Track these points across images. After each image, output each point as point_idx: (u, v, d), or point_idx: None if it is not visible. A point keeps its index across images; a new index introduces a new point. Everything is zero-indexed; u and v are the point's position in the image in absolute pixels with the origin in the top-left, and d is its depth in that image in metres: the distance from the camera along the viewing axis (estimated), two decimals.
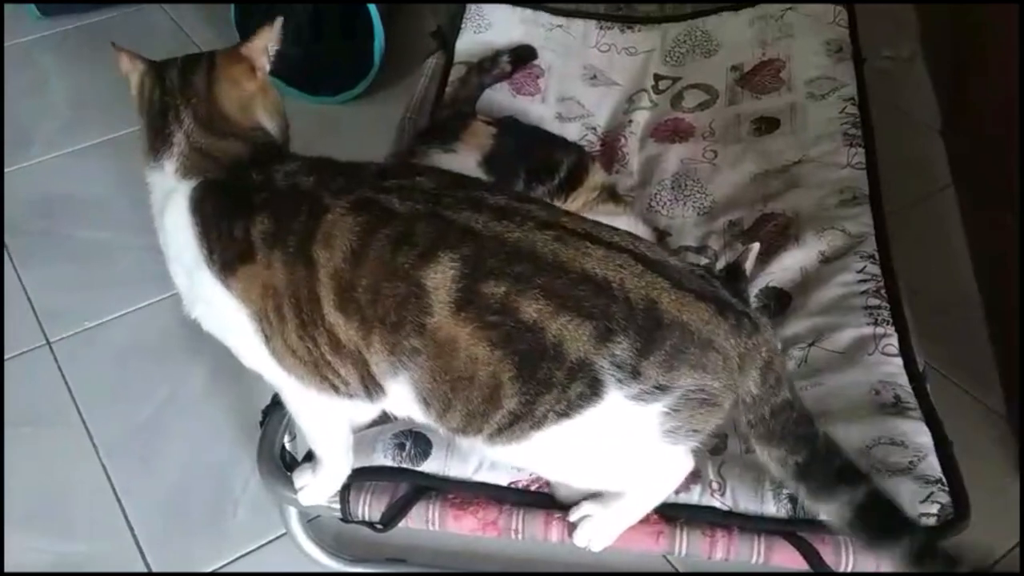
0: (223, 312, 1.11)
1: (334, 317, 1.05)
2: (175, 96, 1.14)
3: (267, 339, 1.10)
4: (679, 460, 1.17)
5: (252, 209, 1.07)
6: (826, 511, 1.11)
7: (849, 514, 1.09)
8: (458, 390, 1.05)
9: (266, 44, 1.18)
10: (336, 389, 1.12)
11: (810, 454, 1.10)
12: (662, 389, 1.02)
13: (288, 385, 1.16)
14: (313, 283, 1.05)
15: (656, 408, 1.03)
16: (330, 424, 1.22)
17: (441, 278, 1.01)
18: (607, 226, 1.09)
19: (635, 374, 1.01)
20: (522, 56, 1.96)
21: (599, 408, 1.02)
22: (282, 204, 1.07)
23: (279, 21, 1.18)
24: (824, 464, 1.10)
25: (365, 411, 1.28)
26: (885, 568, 1.18)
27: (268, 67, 1.18)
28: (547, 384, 1.02)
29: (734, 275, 1.44)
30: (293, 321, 1.07)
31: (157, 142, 1.13)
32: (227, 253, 1.08)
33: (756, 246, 1.49)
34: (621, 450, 1.10)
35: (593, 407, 1.02)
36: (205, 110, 1.14)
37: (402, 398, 1.09)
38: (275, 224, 1.06)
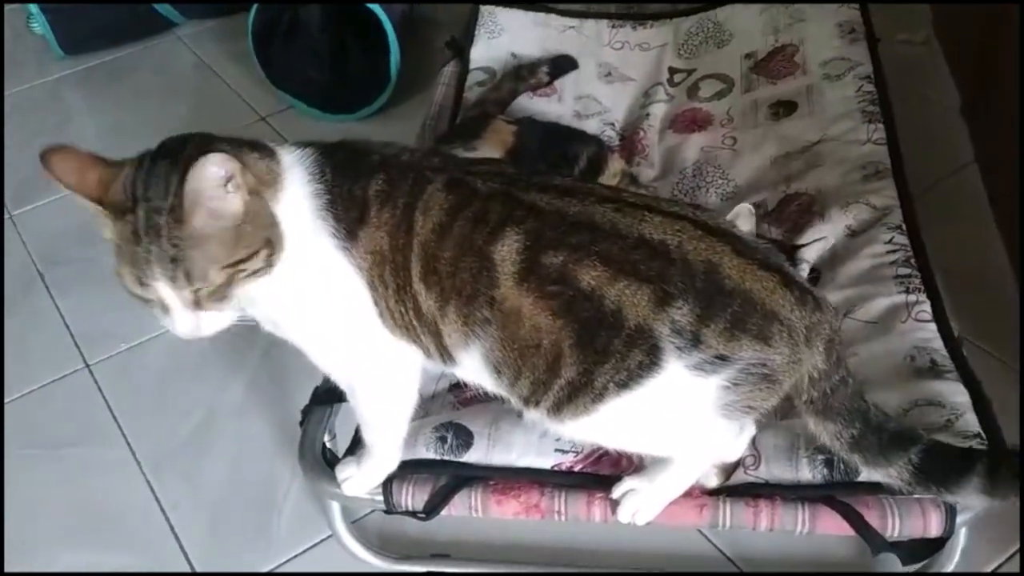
0: (340, 287, 1.11)
1: (418, 286, 1.09)
2: None
3: (375, 304, 1.13)
4: (729, 433, 1.17)
5: (370, 169, 1.10)
6: (884, 475, 1.13)
7: (907, 475, 1.11)
8: (526, 357, 1.07)
9: None
10: (427, 351, 1.16)
11: (863, 425, 1.11)
12: (723, 360, 1.02)
13: (377, 369, 1.19)
14: (408, 250, 1.09)
15: (716, 381, 1.03)
16: (397, 414, 1.24)
17: (507, 251, 1.05)
18: (669, 200, 1.12)
19: (695, 341, 1.01)
20: (562, 67, 1.98)
21: (659, 379, 1.03)
22: (392, 166, 1.11)
23: None
24: (877, 433, 1.11)
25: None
26: (934, 531, 1.19)
27: None
28: (605, 353, 1.03)
29: None
30: (392, 286, 1.11)
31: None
32: (350, 216, 1.09)
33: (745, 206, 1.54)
34: (678, 423, 1.10)
35: (653, 377, 1.03)
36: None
37: (472, 368, 1.13)
38: (388, 183, 1.09)
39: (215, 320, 1.08)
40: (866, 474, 1.15)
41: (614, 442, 1.18)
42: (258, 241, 1.03)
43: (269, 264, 1.05)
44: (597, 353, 1.03)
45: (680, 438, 1.14)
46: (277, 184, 1.07)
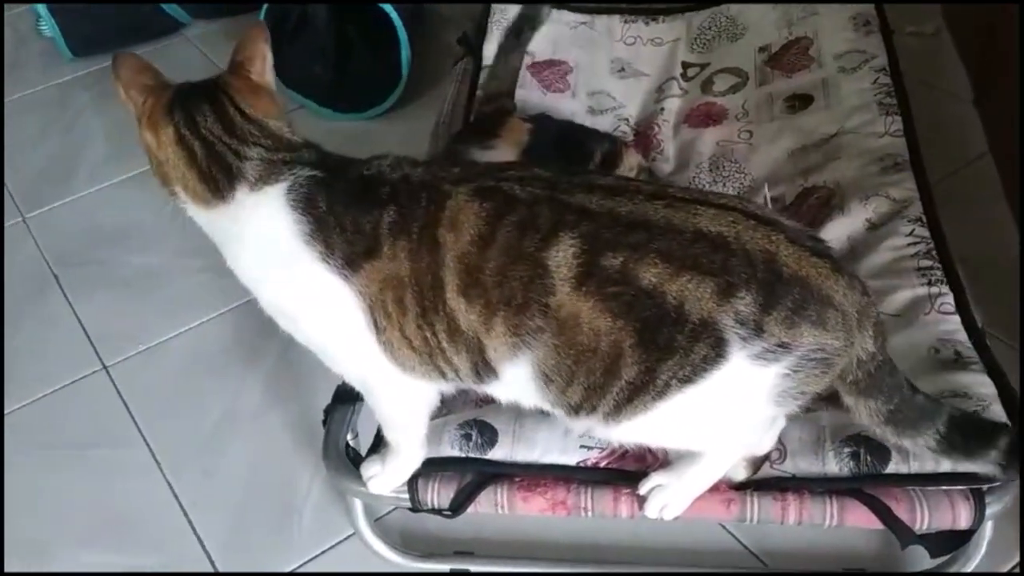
0: (334, 308, 1.11)
1: (455, 302, 1.07)
2: (223, 135, 1.12)
3: (380, 331, 1.11)
4: (764, 426, 1.17)
5: (381, 202, 1.08)
6: (911, 444, 1.15)
7: (933, 443, 1.13)
8: (581, 362, 1.06)
9: (265, 62, 1.17)
10: (444, 375, 1.14)
11: (900, 399, 1.12)
12: (784, 348, 1.02)
13: (382, 379, 1.17)
14: (438, 268, 1.06)
15: (776, 369, 1.03)
16: (414, 414, 1.24)
17: (562, 257, 1.03)
18: (715, 192, 1.10)
19: (759, 331, 1.01)
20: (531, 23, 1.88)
21: (722, 371, 1.02)
22: (402, 194, 1.09)
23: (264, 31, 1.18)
24: (909, 406, 1.13)
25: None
26: (963, 523, 1.18)
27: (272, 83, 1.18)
28: (668, 349, 1.02)
29: None
30: (414, 310, 1.08)
31: (221, 183, 1.11)
32: (353, 247, 1.08)
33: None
34: (732, 414, 1.10)
35: (717, 370, 1.02)
36: (259, 131, 1.13)
37: (518, 379, 1.10)
38: (399, 214, 1.07)
39: None
40: (894, 446, 1.18)
41: (664, 440, 1.17)
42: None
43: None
44: (660, 350, 1.02)
45: (727, 430, 1.14)
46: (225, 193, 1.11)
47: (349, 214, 1.08)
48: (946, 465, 1.19)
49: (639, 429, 1.10)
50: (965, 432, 1.13)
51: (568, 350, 1.05)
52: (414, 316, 1.09)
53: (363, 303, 1.10)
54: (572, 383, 1.07)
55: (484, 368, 1.11)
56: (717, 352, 1.01)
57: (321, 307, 1.13)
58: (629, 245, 1.02)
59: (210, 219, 1.15)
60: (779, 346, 1.01)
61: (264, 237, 1.12)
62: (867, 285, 1.08)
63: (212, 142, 1.11)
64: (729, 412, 1.09)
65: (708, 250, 1.01)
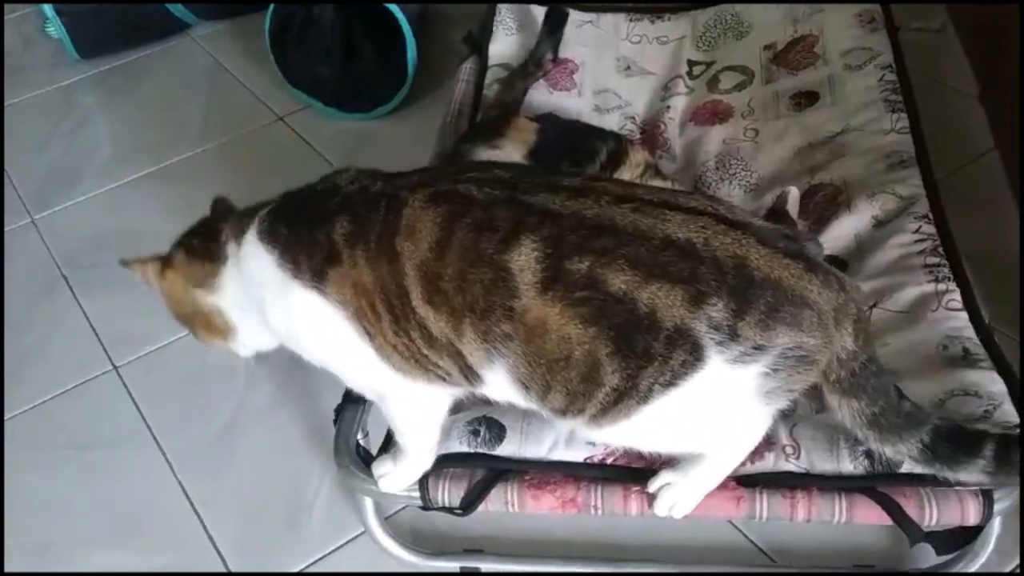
0: (323, 322, 1.11)
1: (423, 310, 1.06)
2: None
3: (371, 337, 1.11)
4: (762, 421, 1.17)
5: (329, 214, 1.09)
6: (892, 451, 1.14)
7: (916, 452, 1.12)
8: (555, 372, 1.05)
9: None
10: (443, 379, 1.14)
11: (886, 403, 1.11)
12: (761, 350, 1.02)
13: (393, 387, 1.18)
14: (400, 276, 1.06)
15: (755, 369, 1.03)
16: (428, 419, 1.24)
17: (525, 260, 1.01)
18: (684, 192, 1.10)
19: (733, 335, 1.00)
20: (556, 34, 1.99)
21: (702, 374, 1.02)
22: (357, 205, 1.09)
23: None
24: (895, 411, 1.12)
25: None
26: (971, 519, 1.19)
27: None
28: (647, 356, 1.02)
29: (778, 220, 1.45)
30: (387, 317, 1.08)
31: (212, 248, 1.22)
32: (315, 258, 1.09)
33: (793, 189, 1.54)
34: (720, 414, 1.10)
35: (697, 373, 1.02)
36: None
37: (499, 384, 1.10)
38: (354, 224, 1.08)
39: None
40: (876, 449, 1.17)
41: (652, 443, 1.17)
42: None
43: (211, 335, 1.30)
44: (639, 357, 1.02)
45: (717, 431, 1.14)
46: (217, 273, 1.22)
47: (304, 229, 1.11)
48: None
49: (625, 432, 1.10)
50: (950, 442, 1.12)
51: (538, 359, 1.04)
52: (389, 323, 1.09)
53: (346, 312, 1.10)
54: (550, 391, 1.07)
55: (469, 372, 1.11)
56: (695, 357, 1.01)
57: (315, 327, 1.13)
58: (595, 250, 1.01)
59: (225, 295, 1.22)
60: (755, 348, 1.01)
61: (258, 279, 1.15)
62: (847, 280, 1.08)
63: (199, 234, 1.26)
64: (715, 413, 1.09)
65: (676, 258, 1.00)
